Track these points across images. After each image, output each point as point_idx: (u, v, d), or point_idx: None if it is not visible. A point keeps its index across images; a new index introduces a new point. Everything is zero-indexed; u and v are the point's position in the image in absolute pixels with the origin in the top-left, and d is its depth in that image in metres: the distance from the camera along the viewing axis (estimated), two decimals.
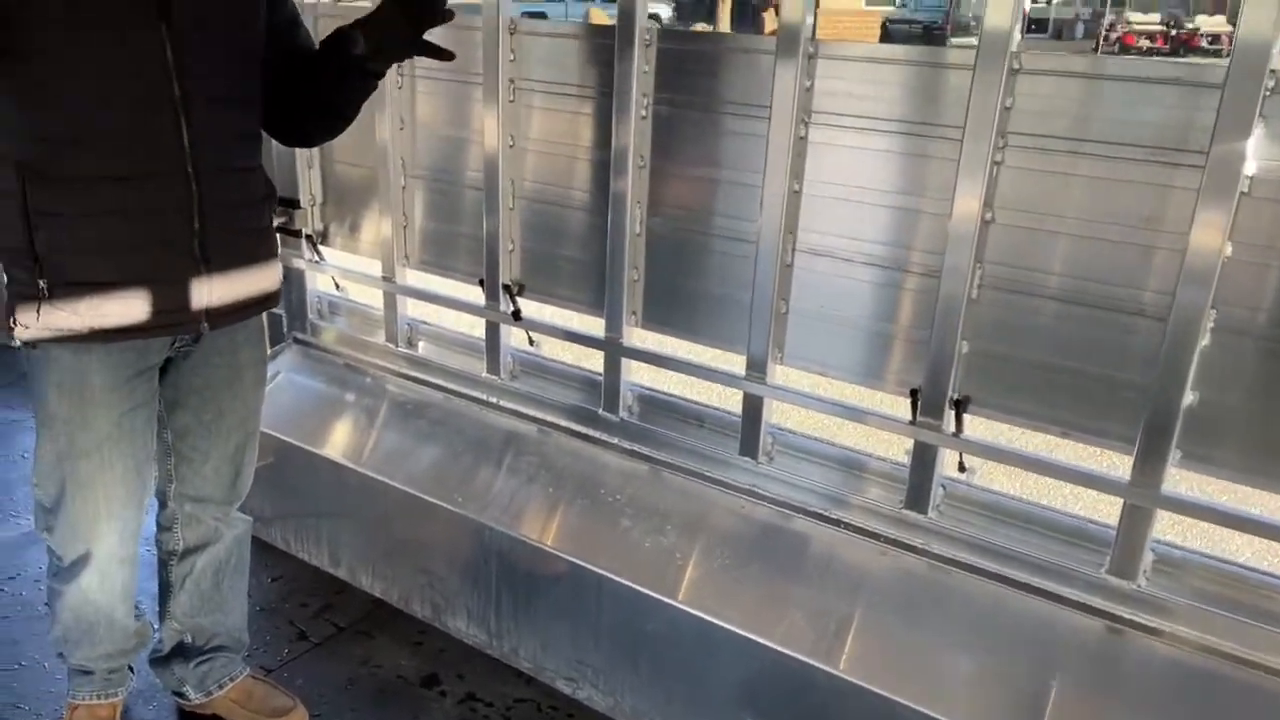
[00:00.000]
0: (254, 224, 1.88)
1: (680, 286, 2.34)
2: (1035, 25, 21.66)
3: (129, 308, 1.70)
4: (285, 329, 3.12)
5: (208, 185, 1.72)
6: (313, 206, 2.99)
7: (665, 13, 24.75)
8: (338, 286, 3.07)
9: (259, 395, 2.06)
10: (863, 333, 2.10)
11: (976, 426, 2.02)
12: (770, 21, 21.61)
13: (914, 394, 2.01)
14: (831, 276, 2.10)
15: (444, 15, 1.77)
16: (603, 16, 20.14)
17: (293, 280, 3.07)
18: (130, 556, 2.00)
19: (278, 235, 1.99)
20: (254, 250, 1.87)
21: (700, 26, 22.71)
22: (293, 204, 2.96)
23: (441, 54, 1.78)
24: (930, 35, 20.55)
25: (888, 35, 21.96)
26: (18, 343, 1.75)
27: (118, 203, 1.65)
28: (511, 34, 2.42)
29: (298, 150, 2.91)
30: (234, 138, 1.79)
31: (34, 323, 1.68)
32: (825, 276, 2.10)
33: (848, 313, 2.10)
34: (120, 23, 1.59)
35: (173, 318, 1.76)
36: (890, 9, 22.60)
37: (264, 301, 1.93)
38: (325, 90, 1.85)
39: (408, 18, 1.74)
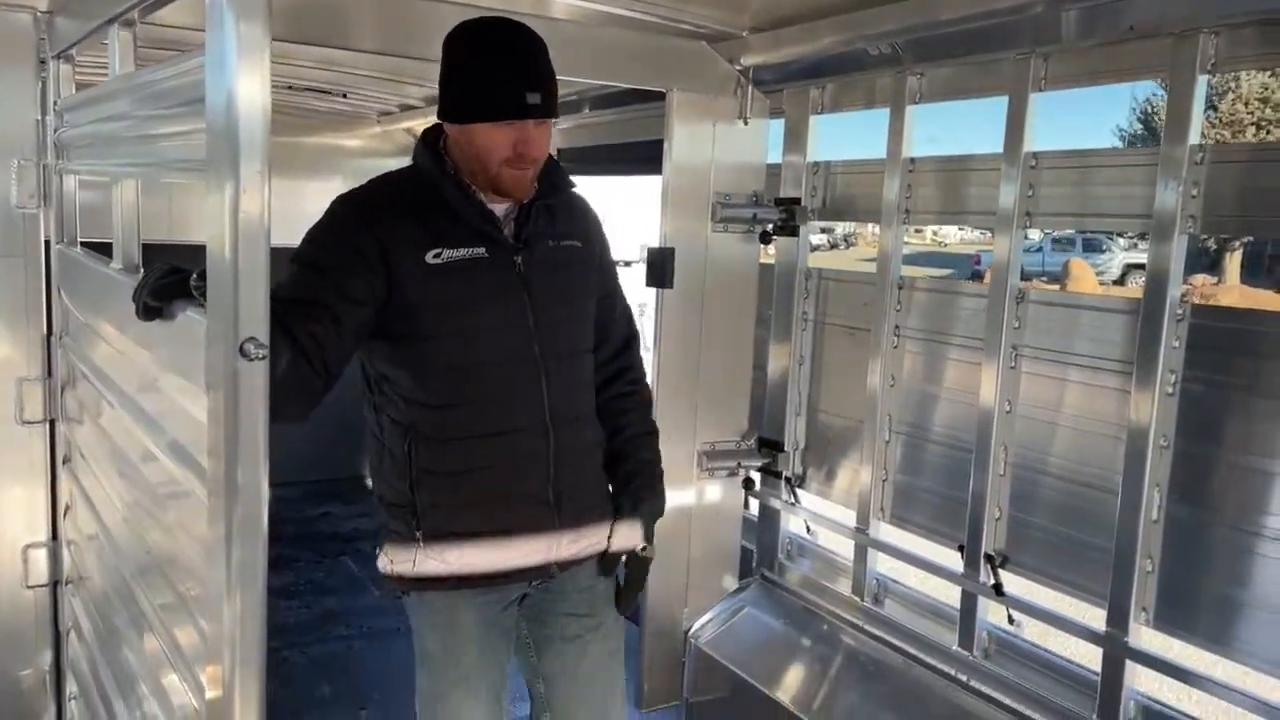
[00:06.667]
0: (594, 468, 1.97)
1: (1206, 588, 2.02)
2: None
3: (491, 557, 1.81)
4: (755, 564, 3.22)
5: (561, 434, 1.83)
6: (795, 451, 3.13)
7: None
8: (809, 530, 3.12)
9: (619, 639, 2.05)
10: None
11: None
12: None
13: None
14: None
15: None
16: (1084, 266, 19.23)
17: (768, 519, 3.19)
18: None
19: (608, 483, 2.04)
20: (596, 493, 1.95)
21: (1201, 278, 20.75)
22: (776, 446, 3.12)
23: None
24: None
25: None
26: (396, 592, 1.90)
27: (487, 459, 1.80)
28: (1018, 302, 2.39)
29: (788, 395, 3.09)
30: (579, 387, 1.93)
31: (409, 570, 1.82)
32: None
33: None
34: (497, 296, 1.79)
35: (529, 566, 1.85)
36: None
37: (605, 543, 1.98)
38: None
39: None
